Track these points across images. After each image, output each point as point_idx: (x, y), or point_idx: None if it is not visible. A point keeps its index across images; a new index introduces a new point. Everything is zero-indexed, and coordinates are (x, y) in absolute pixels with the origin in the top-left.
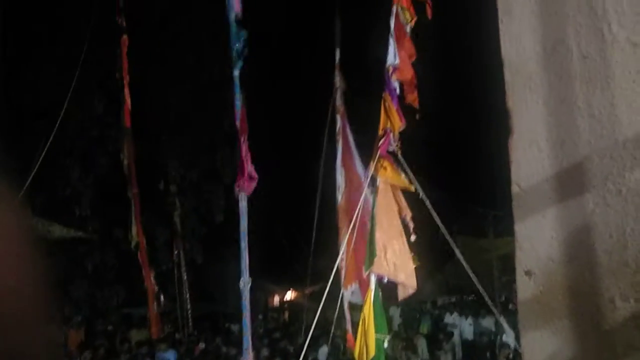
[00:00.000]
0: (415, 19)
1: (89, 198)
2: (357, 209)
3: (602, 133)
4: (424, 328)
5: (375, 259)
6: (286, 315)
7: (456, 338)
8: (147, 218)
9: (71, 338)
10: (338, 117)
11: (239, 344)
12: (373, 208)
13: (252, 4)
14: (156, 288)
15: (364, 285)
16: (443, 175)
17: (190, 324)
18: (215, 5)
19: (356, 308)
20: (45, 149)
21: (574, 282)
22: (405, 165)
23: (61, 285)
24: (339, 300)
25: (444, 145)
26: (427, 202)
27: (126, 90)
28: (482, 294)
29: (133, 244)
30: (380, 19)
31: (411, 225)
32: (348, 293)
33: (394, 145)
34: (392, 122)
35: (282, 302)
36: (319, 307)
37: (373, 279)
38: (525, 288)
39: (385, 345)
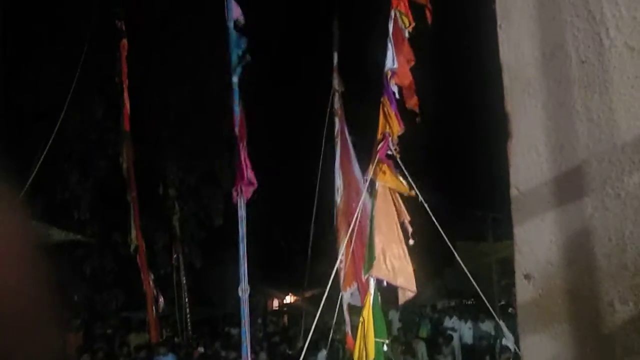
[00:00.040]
0: (413, 24)
1: (88, 202)
2: (356, 213)
3: (601, 137)
4: (424, 332)
5: (375, 263)
6: (285, 319)
7: (456, 342)
8: (146, 222)
9: (70, 341)
10: (336, 120)
11: (238, 348)
12: (372, 212)
13: (251, 8)
14: (155, 292)
15: (363, 289)
16: (442, 179)
17: (189, 328)
18: (216, 9)
19: (355, 310)
20: (45, 152)
21: (573, 285)
22: (404, 169)
23: (61, 288)
24: (338, 302)
25: (443, 150)
26: (426, 206)
27: (125, 94)
28: (482, 298)
29: (132, 247)
30: (379, 24)
31: (410, 229)
32: (347, 295)
33: (392, 150)
34: (390, 127)
35: (281, 305)
36: (318, 310)
37: (372, 283)
38: (524, 292)
39: (385, 349)
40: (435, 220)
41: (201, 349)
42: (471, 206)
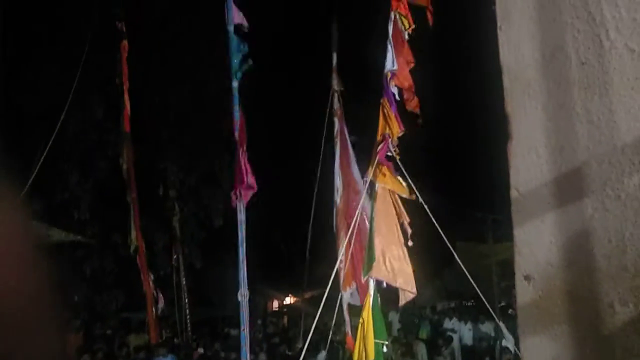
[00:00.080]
0: (413, 26)
1: (88, 202)
2: (356, 214)
3: (601, 139)
4: (423, 333)
5: (374, 264)
6: (285, 320)
7: (455, 343)
8: (146, 223)
9: (70, 342)
10: (336, 120)
11: (237, 349)
12: (372, 213)
13: (251, 10)
14: (155, 293)
15: (362, 290)
16: (442, 180)
17: (189, 328)
18: (216, 10)
19: (355, 310)
20: (45, 153)
21: (573, 286)
22: (404, 170)
23: (61, 289)
24: (338, 302)
25: (443, 151)
26: (426, 208)
27: (126, 95)
28: (482, 299)
29: (132, 248)
30: (378, 25)
31: (409, 230)
32: (347, 295)
33: (392, 151)
34: (390, 128)
35: (281, 306)
36: (317, 311)
37: (372, 284)
38: (524, 293)
39: (385, 350)
40: (435, 222)
41: (201, 350)
42: (471, 207)
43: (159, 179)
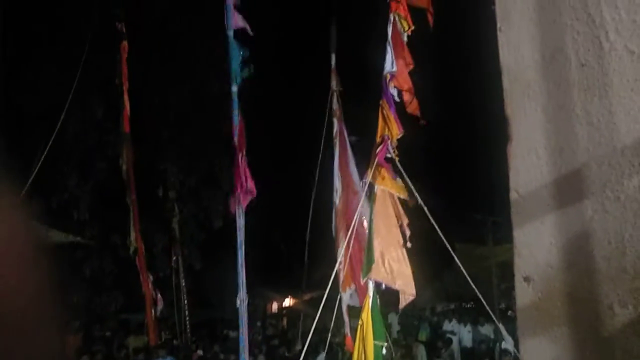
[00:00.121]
0: (412, 27)
1: (88, 203)
2: (355, 216)
3: (601, 140)
4: (423, 335)
5: (373, 266)
6: (285, 321)
7: (455, 345)
8: (145, 224)
9: (69, 343)
10: (335, 121)
11: (236, 350)
12: (371, 215)
13: (250, 11)
14: (154, 294)
15: (361, 291)
16: (441, 182)
17: (188, 330)
18: (217, 11)
19: (355, 311)
20: (45, 153)
21: (572, 288)
22: (403, 172)
23: (61, 290)
24: (337, 303)
25: (442, 152)
26: (426, 209)
27: (125, 96)
28: (481, 301)
29: (131, 250)
30: (377, 27)
31: (408, 232)
32: (346, 296)
33: (392, 152)
34: (390, 129)
35: (280, 308)
36: (317, 313)
37: (371, 286)
38: (524, 295)
39: (384, 352)
40: (434, 223)
41: (200, 352)
42: (471, 209)
43: (159, 180)
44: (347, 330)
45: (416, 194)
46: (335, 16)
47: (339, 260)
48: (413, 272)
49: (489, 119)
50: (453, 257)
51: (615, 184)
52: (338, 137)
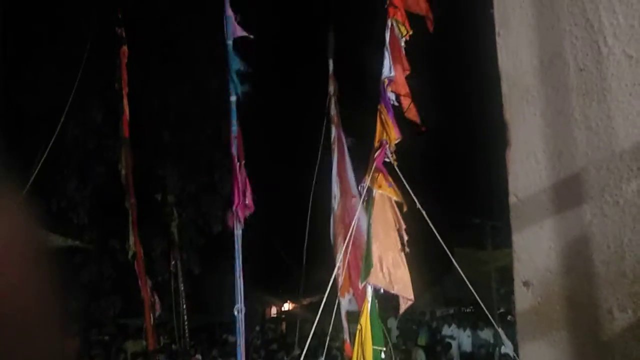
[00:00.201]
0: (410, 32)
1: (87, 208)
2: (354, 220)
3: (599, 145)
4: (422, 340)
5: (372, 270)
6: (283, 326)
7: (454, 350)
8: (144, 228)
9: (67, 347)
10: (333, 127)
11: (235, 355)
12: (369, 219)
13: (247, 18)
14: (153, 299)
15: (360, 297)
16: (440, 186)
17: (187, 335)
18: (218, 18)
19: (354, 317)
20: (44, 156)
21: (571, 293)
22: (401, 176)
23: (60, 293)
24: (335, 309)
25: (441, 157)
26: (424, 214)
27: (125, 101)
28: (481, 306)
29: (130, 254)
30: (375, 32)
31: (405, 237)
32: (345, 301)
33: (390, 157)
34: (388, 134)
35: (279, 313)
36: (316, 318)
37: (369, 290)
38: (523, 299)
39: (383, 356)
40: (433, 228)
41: (199, 357)
42: (470, 213)
43: (158, 185)
44: (346, 336)
45: (415, 198)
46: (333, 22)
47: (337, 265)
48: (411, 277)
49: (487, 124)
50: (452, 262)
51: (614, 188)
52: (336, 143)
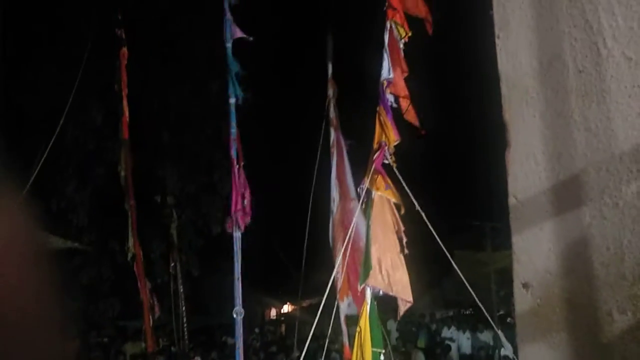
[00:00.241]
0: (409, 34)
1: (86, 209)
2: (352, 223)
3: (599, 146)
4: (422, 342)
5: (371, 272)
6: (283, 328)
7: (454, 352)
8: (143, 230)
9: (67, 349)
10: (332, 130)
11: (234, 357)
12: (368, 221)
13: (246, 22)
14: (152, 301)
15: (359, 299)
16: (440, 188)
17: (186, 337)
18: (218, 19)
19: (353, 321)
20: (44, 156)
21: (571, 294)
22: (400, 178)
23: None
24: (334, 313)
25: (441, 159)
26: (424, 215)
27: (125, 102)
28: (480, 308)
29: (129, 256)
30: (374, 34)
31: (404, 239)
32: (344, 306)
33: (389, 159)
34: (387, 136)
35: (279, 315)
36: (315, 320)
37: (368, 292)
38: (522, 301)
39: (382, 358)
40: (432, 230)
41: (198, 359)
42: (469, 215)
43: (157, 186)
44: (346, 340)
45: (414, 200)
46: (332, 26)
47: (336, 267)
48: (411, 279)
49: (487, 125)
50: (452, 264)
51: (613, 190)
52: (335, 147)
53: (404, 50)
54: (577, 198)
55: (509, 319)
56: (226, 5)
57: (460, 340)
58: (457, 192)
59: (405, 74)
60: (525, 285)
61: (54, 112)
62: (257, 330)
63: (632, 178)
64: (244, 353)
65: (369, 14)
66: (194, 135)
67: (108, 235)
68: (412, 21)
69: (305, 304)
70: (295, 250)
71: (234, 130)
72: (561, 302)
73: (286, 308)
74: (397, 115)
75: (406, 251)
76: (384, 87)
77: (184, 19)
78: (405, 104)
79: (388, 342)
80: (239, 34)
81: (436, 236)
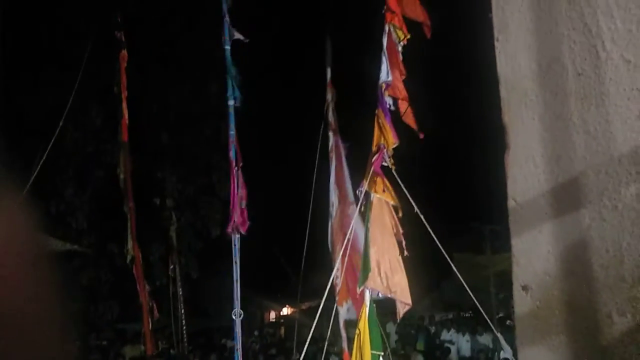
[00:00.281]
0: (408, 36)
1: (85, 212)
2: (351, 226)
3: (598, 149)
4: (421, 345)
5: (369, 274)
6: (282, 330)
7: (453, 355)
8: (142, 233)
9: (67, 351)
10: (330, 134)
11: None
12: (367, 223)
13: (245, 26)
14: (151, 303)
15: (358, 302)
16: (439, 190)
17: (185, 339)
18: (217, 21)
19: (352, 325)
20: (43, 158)
21: (570, 297)
22: (399, 181)
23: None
24: (332, 317)
25: (440, 161)
26: (423, 218)
27: (124, 105)
28: (480, 310)
29: (128, 258)
30: (373, 38)
31: (403, 241)
32: (343, 310)
33: (387, 161)
34: (385, 138)
35: (278, 317)
36: (314, 323)
37: (367, 295)
38: (522, 303)
39: None
40: (432, 232)
41: None
42: (468, 218)
43: (156, 189)
44: (345, 344)
45: (413, 202)
46: (330, 31)
47: (334, 271)
48: (410, 282)
49: (486, 128)
50: (451, 266)
51: (612, 193)
52: (334, 151)
53: (403, 53)
54: (576, 200)
55: (508, 322)
56: (225, 8)
57: (460, 343)
58: (456, 194)
59: (403, 77)
60: (524, 288)
61: (54, 114)
62: (256, 332)
63: (631, 180)
64: (243, 355)
65: (368, 18)
66: (193, 135)
67: (107, 237)
68: (411, 24)
69: (304, 306)
70: (294, 253)
71: (232, 132)
72: (560, 305)
73: (285, 311)
74: (395, 118)
75: (405, 253)
76: (383, 90)
77: (183, 21)
78: (403, 106)
79: (387, 344)
80: (235, 35)
81: (435, 239)
